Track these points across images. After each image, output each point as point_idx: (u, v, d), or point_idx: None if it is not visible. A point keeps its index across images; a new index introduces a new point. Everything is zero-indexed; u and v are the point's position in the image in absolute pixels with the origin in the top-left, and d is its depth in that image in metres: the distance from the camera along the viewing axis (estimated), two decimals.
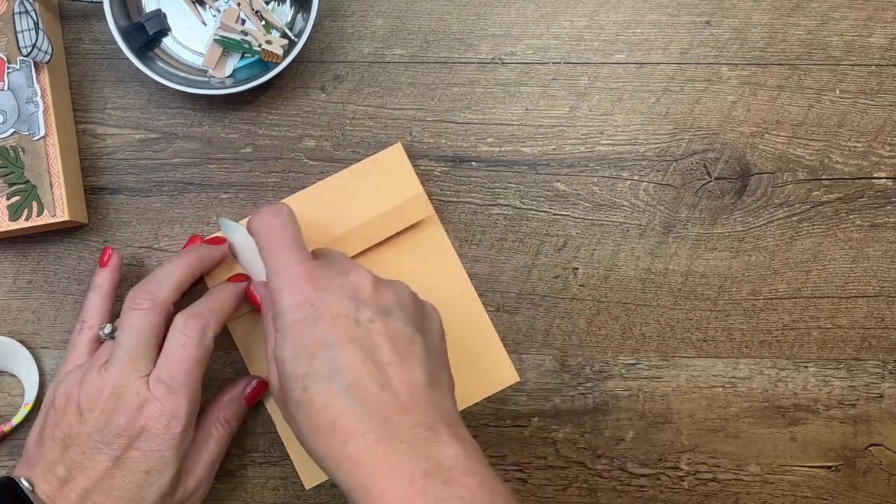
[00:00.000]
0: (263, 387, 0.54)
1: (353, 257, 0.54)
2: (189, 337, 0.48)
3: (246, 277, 0.53)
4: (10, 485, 0.45)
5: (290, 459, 0.55)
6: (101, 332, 0.50)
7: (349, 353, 0.42)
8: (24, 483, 0.46)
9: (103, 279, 0.52)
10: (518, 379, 0.55)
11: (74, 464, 0.46)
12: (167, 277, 0.50)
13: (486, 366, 0.55)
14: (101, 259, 0.53)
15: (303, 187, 0.56)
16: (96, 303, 0.51)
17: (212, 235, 0.55)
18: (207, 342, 0.48)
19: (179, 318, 0.49)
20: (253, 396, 0.53)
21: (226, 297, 0.51)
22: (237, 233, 0.52)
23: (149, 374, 0.47)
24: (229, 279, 0.53)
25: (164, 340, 0.48)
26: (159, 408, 0.46)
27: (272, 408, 0.55)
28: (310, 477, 0.55)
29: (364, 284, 0.45)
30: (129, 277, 0.56)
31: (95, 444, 0.46)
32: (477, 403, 0.55)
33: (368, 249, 0.54)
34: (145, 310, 0.48)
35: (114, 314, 0.52)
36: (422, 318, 0.46)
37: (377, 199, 0.54)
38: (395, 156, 0.55)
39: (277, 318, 0.45)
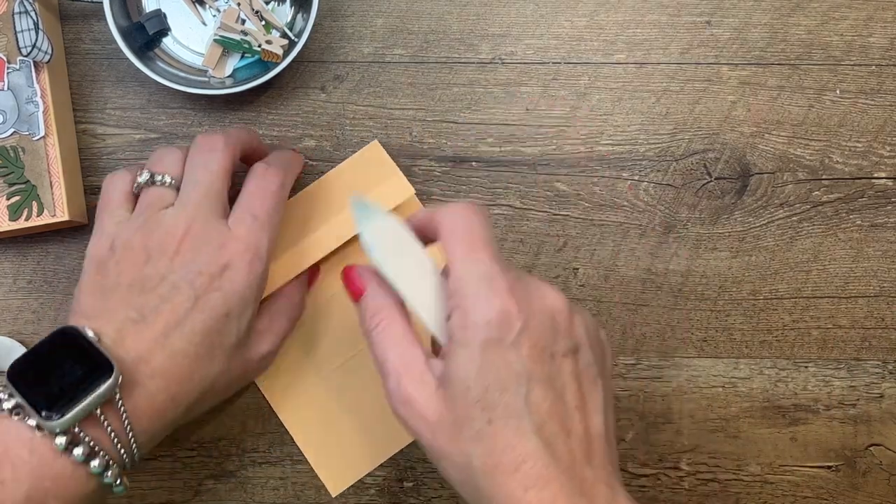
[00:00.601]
0: (318, 273, 0.54)
1: (336, 250, 0.52)
2: (271, 181, 0.46)
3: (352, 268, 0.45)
4: (71, 334, 0.41)
5: (289, 460, 0.55)
6: (138, 178, 0.46)
7: (542, 391, 0.38)
8: (90, 333, 0.41)
9: (221, 140, 0.47)
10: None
11: (149, 307, 0.43)
12: (239, 133, 0.48)
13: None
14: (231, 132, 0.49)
15: (302, 188, 0.55)
16: (175, 152, 0.47)
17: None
18: (288, 186, 0.47)
19: (259, 167, 0.47)
20: (313, 278, 0.53)
21: (297, 160, 0.51)
22: (380, 220, 0.42)
23: (224, 216, 0.45)
24: (345, 269, 0.45)
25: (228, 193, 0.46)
26: (243, 245, 0.44)
27: (278, 407, 0.55)
28: (336, 484, 0.55)
29: (561, 311, 0.40)
30: None
31: (174, 284, 0.43)
32: None
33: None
34: (220, 150, 0.46)
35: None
36: (602, 356, 0.41)
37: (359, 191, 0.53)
38: (372, 153, 0.55)
39: (465, 328, 0.39)
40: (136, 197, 0.47)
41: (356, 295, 0.43)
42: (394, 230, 0.42)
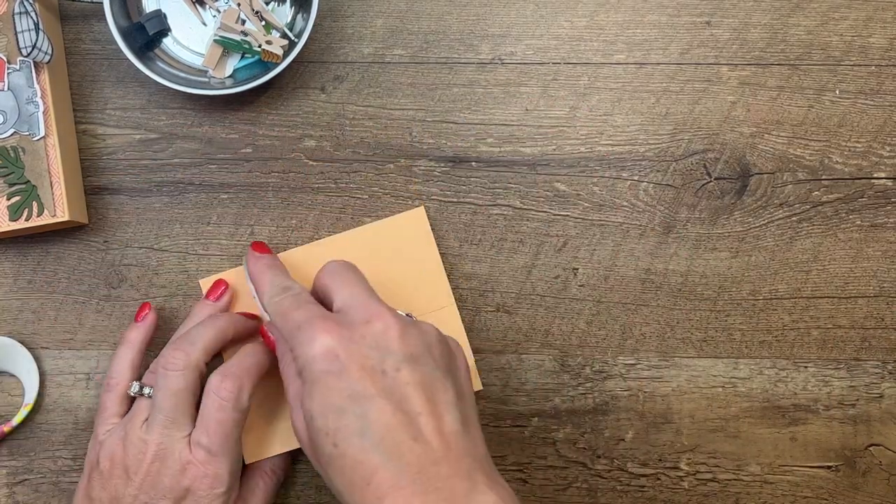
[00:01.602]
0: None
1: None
2: (225, 400, 0.47)
3: (255, 315, 0.53)
4: None
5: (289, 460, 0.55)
6: (129, 391, 0.50)
7: (378, 406, 0.41)
8: None
9: (136, 335, 0.52)
10: (480, 388, 0.55)
11: None
12: (200, 338, 0.49)
13: None
14: (137, 314, 0.53)
15: (302, 188, 0.56)
16: (126, 358, 0.51)
17: (216, 278, 0.55)
18: (243, 403, 0.48)
19: (214, 379, 0.48)
20: (270, 343, 0.52)
21: (260, 357, 0.50)
22: None
23: (189, 434, 0.48)
24: (239, 313, 0.52)
25: (200, 397, 0.48)
26: (202, 470, 0.47)
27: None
28: (252, 454, 0.53)
29: (388, 331, 0.43)
30: (128, 278, 0.56)
31: None
32: (478, 403, 0.55)
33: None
34: (180, 371, 0.48)
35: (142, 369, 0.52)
36: (448, 359, 0.45)
37: (391, 256, 0.54)
38: (416, 218, 0.55)
39: (302, 369, 0.43)
40: (131, 401, 0.51)
41: (270, 346, 0.50)
42: None
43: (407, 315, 0.48)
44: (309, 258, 0.53)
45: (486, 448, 0.43)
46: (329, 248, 0.54)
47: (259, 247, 0.52)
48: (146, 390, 0.49)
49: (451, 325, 0.54)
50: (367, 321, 0.44)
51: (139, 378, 0.51)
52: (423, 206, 0.55)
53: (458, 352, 0.46)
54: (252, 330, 0.52)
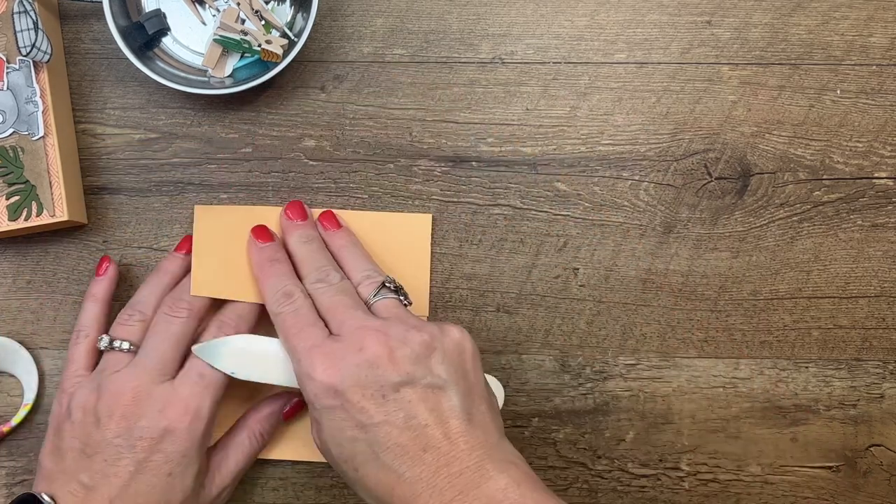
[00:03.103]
0: (301, 405, 0.54)
1: None
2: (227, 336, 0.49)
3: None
4: (30, 501, 0.45)
5: (289, 460, 0.55)
6: (98, 345, 0.50)
7: (385, 431, 0.43)
8: (46, 498, 0.45)
9: (99, 288, 0.53)
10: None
11: (97, 472, 0.46)
12: (205, 302, 0.51)
13: None
14: (97, 269, 0.53)
15: (302, 188, 0.55)
16: (93, 312, 0.52)
17: (217, 208, 0.55)
18: None
19: (213, 324, 0.50)
20: (291, 413, 0.54)
21: (253, 307, 0.51)
22: (224, 348, 0.49)
23: (172, 378, 0.48)
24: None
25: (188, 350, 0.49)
26: (183, 407, 0.47)
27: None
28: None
29: (380, 356, 0.44)
30: (128, 278, 0.55)
31: (118, 450, 0.46)
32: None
33: None
34: (183, 318, 0.49)
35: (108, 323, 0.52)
36: (448, 360, 0.45)
37: (383, 249, 0.54)
38: (420, 223, 0.55)
39: (309, 406, 0.46)
40: (99, 354, 0.51)
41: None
42: (238, 344, 0.49)
43: (393, 284, 0.49)
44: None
45: (498, 431, 0.45)
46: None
47: (296, 211, 0.53)
48: (117, 343, 0.49)
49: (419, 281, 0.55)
50: (360, 348, 0.45)
51: (107, 332, 0.51)
52: (431, 215, 0.55)
53: (462, 341, 0.46)
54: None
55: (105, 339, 0.50)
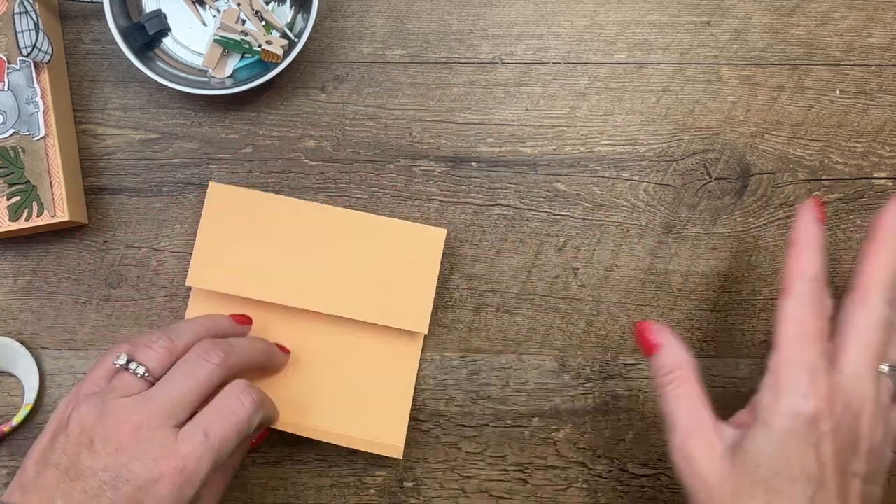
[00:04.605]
0: (267, 433, 0.53)
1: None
2: (244, 405, 0.46)
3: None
4: None
5: (289, 459, 0.55)
6: (115, 360, 0.47)
7: (826, 499, 0.41)
8: None
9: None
10: (400, 457, 0.54)
11: (73, 500, 0.43)
12: (243, 349, 0.49)
13: (382, 421, 0.54)
14: (240, 319, 0.53)
15: (302, 188, 0.56)
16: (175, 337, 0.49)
17: (231, 187, 0.55)
18: (255, 421, 0.46)
19: (241, 383, 0.47)
20: (258, 442, 0.53)
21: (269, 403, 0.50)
22: None
23: (180, 425, 0.45)
24: (638, 323, 0.48)
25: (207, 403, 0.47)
26: (181, 465, 0.44)
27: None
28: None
29: (865, 422, 0.42)
30: (128, 278, 0.56)
31: (101, 486, 0.43)
32: (477, 404, 0.55)
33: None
34: (215, 365, 0.46)
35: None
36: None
37: (391, 257, 0.53)
38: (433, 237, 0.53)
39: (774, 413, 0.42)
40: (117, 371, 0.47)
41: (650, 350, 0.47)
42: None
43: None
44: (316, 216, 0.53)
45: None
46: (339, 218, 0.53)
47: (817, 208, 0.46)
48: (133, 366, 0.46)
49: (409, 355, 0.54)
50: (849, 403, 0.42)
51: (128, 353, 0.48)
52: (445, 231, 0.53)
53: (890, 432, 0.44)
54: (284, 364, 0.53)
55: (123, 356, 0.47)
